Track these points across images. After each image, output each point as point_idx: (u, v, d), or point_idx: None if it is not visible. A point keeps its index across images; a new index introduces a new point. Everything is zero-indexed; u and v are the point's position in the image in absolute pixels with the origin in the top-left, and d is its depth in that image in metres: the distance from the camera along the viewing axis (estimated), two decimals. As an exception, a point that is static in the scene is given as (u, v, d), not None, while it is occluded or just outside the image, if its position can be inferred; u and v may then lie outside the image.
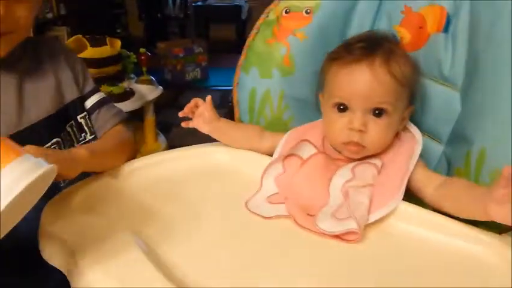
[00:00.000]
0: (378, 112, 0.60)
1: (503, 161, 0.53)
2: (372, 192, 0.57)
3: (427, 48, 0.68)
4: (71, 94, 0.74)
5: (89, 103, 0.77)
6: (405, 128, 0.65)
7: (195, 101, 0.72)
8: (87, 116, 0.75)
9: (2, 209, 0.37)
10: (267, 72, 0.76)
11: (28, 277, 0.64)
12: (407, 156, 0.61)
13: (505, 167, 0.44)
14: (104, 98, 0.80)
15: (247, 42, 0.79)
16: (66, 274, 0.49)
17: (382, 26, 0.73)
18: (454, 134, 0.65)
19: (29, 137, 0.66)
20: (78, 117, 0.74)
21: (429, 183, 0.59)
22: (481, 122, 0.58)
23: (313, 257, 0.52)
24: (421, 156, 0.68)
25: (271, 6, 0.78)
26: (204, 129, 0.72)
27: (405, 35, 0.70)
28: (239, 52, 0.81)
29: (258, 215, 0.59)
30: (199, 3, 4.60)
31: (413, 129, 0.65)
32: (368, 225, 0.55)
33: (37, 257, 0.53)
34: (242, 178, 0.67)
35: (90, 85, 0.79)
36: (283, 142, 0.69)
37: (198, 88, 3.33)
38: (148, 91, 2.33)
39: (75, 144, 0.73)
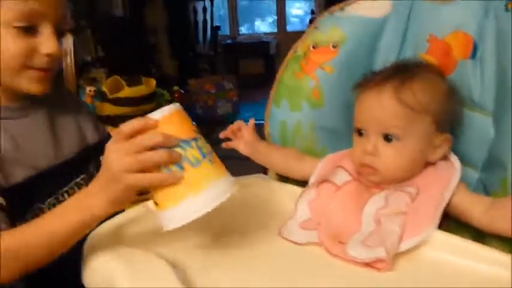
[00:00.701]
0: (388, 137, 0.61)
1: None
2: (404, 220, 0.56)
3: (455, 76, 0.69)
4: (92, 137, 0.80)
5: None
6: (445, 157, 0.64)
7: (238, 123, 0.76)
8: None
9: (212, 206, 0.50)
10: (297, 104, 0.79)
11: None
12: (443, 185, 0.60)
13: None
14: None
15: (277, 77, 0.83)
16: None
17: (408, 55, 0.75)
18: (489, 160, 0.64)
19: (63, 170, 0.72)
20: (101, 158, 0.79)
21: (473, 208, 0.59)
22: (515, 145, 0.58)
23: (343, 285, 0.52)
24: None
25: (299, 42, 0.82)
26: (245, 151, 0.75)
27: (432, 62, 0.71)
28: (268, 86, 0.84)
29: (291, 241, 0.60)
30: (228, 41, 4.78)
31: (453, 158, 0.65)
32: (399, 253, 0.55)
33: (79, 283, 0.57)
34: (278, 209, 0.69)
35: (105, 130, 0.86)
36: (319, 167, 0.71)
37: (229, 123, 3.40)
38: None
39: None
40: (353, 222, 0.59)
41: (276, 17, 5.15)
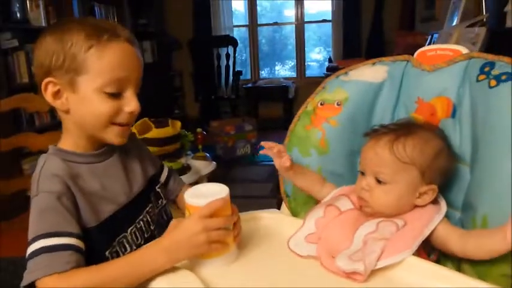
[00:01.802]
0: (379, 179, 0.75)
1: (501, 223, 0.64)
2: (385, 244, 0.69)
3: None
4: (151, 170, 0.93)
5: (164, 175, 0.98)
6: (435, 201, 0.76)
7: (278, 147, 0.85)
8: (162, 186, 0.95)
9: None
10: (306, 151, 0.93)
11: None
12: (425, 223, 0.72)
13: None
14: (169, 168, 1.02)
15: (290, 128, 0.97)
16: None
17: (401, 113, 0.89)
18: (465, 202, 0.77)
19: (137, 202, 0.85)
20: (156, 187, 0.93)
21: (452, 234, 0.71)
22: (482, 193, 0.71)
23: None
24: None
25: (309, 99, 0.97)
26: (279, 167, 0.86)
27: (420, 120, 0.85)
28: (286, 128, 0.98)
29: (294, 252, 0.74)
30: (249, 85, 5.00)
31: (442, 201, 0.77)
32: (380, 272, 0.67)
33: None
34: (281, 237, 0.81)
35: (158, 161, 1.00)
36: (333, 193, 0.84)
37: (248, 163, 3.55)
38: (203, 166, 2.56)
39: (155, 210, 0.90)
40: (346, 240, 0.71)
41: (295, 62, 5.38)
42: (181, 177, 1.05)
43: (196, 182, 2.35)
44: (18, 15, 2.76)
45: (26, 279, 0.66)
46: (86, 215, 0.74)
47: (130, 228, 0.82)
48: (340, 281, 0.67)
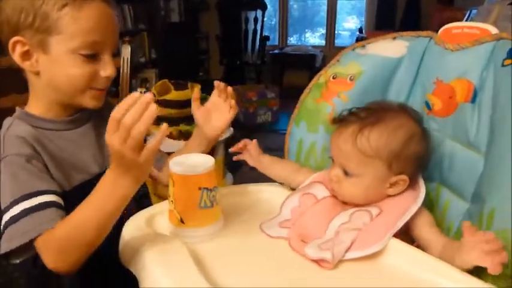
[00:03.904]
0: (346, 172, 0.72)
1: (508, 221, 0.60)
2: (357, 235, 0.66)
3: (455, 116, 0.77)
4: None
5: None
6: (415, 187, 0.73)
7: (244, 142, 0.87)
8: None
9: None
10: (314, 127, 0.89)
11: (107, 278, 0.80)
12: (400, 213, 0.69)
13: (463, 222, 0.59)
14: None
15: (300, 99, 0.94)
16: (136, 275, 0.64)
17: (417, 93, 0.84)
18: (475, 194, 0.72)
19: None
20: None
21: (430, 246, 0.67)
22: (492, 185, 0.66)
23: (292, 272, 0.65)
24: (448, 212, 0.76)
25: (322, 71, 0.92)
26: (251, 163, 0.87)
27: (436, 102, 0.79)
28: None
29: (266, 234, 0.73)
30: (276, 51, 4.90)
31: (421, 190, 0.73)
32: (360, 259, 0.65)
33: (116, 261, 0.69)
34: (274, 212, 0.79)
35: None
36: (310, 179, 0.81)
37: (268, 131, 3.52)
38: (220, 131, 2.55)
39: None
40: (320, 230, 0.70)
41: (325, 30, 5.22)
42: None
43: (212, 148, 2.34)
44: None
45: (7, 246, 0.65)
46: (57, 179, 0.73)
47: None
48: (307, 263, 0.66)
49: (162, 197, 0.89)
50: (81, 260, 0.66)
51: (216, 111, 0.90)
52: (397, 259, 0.64)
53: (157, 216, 0.77)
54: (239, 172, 2.66)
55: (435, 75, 0.80)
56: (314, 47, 5.11)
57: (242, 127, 3.28)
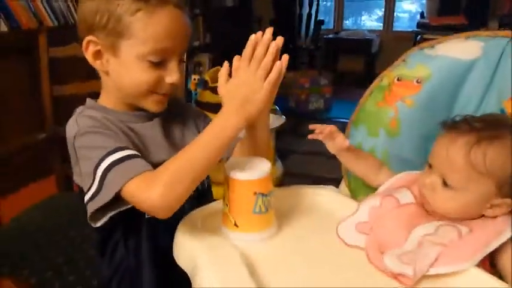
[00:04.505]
0: (445, 182, 0.66)
1: None
2: (442, 251, 0.61)
3: (534, 127, 0.70)
4: (191, 135, 0.87)
5: None
6: (510, 213, 0.66)
7: (329, 128, 0.80)
8: None
9: None
10: (374, 131, 0.85)
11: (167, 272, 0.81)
12: (494, 235, 0.63)
13: None
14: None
15: (360, 102, 0.89)
16: (188, 273, 0.66)
17: (492, 100, 0.77)
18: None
19: None
20: None
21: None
22: None
23: (347, 277, 0.62)
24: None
25: (386, 71, 0.87)
26: (333, 149, 0.81)
27: (514, 113, 0.73)
28: (365, 86, 0.90)
29: (342, 240, 0.69)
30: (330, 36, 4.76)
31: None
32: (433, 278, 0.60)
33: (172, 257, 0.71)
34: (334, 218, 0.76)
35: (203, 120, 0.92)
36: (392, 180, 0.76)
37: (320, 118, 3.46)
38: (272, 119, 2.53)
39: None
40: (399, 238, 0.65)
41: (383, 13, 5.00)
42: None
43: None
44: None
45: (105, 197, 0.67)
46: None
47: None
48: (385, 279, 0.62)
49: (216, 183, 0.89)
50: (186, 196, 0.67)
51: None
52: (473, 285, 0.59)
53: (213, 215, 0.77)
54: (289, 159, 2.65)
55: (514, 80, 0.73)
56: (370, 31, 4.91)
57: (293, 114, 3.24)
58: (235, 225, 0.71)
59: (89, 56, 0.74)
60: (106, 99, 0.80)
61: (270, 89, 0.68)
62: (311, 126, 0.81)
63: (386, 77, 0.87)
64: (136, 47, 0.71)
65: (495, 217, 0.66)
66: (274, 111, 2.61)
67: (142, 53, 0.71)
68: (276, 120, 2.54)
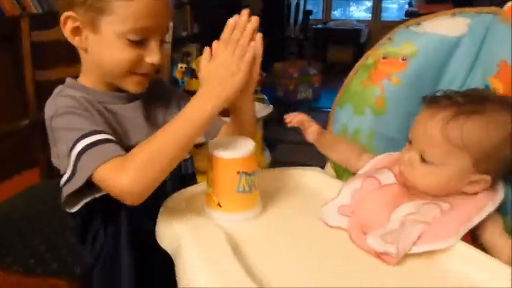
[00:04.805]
0: (424, 159, 0.65)
1: None
2: (425, 229, 0.61)
3: (520, 102, 0.70)
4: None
5: None
6: (492, 189, 0.66)
7: (300, 116, 0.80)
8: None
9: None
10: (360, 109, 0.84)
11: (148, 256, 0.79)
12: (476, 210, 0.63)
13: None
14: None
15: (345, 82, 0.88)
16: (171, 254, 0.64)
17: (477, 76, 0.77)
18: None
19: None
20: None
21: (503, 250, 0.61)
22: None
23: (352, 268, 0.60)
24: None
25: (371, 50, 0.86)
26: (310, 138, 0.81)
27: (499, 86, 0.72)
28: None
29: (325, 223, 0.69)
30: (319, 25, 4.76)
31: (499, 191, 0.66)
32: (417, 255, 0.60)
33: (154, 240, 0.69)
34: (319, 198, 0.76)
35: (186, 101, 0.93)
36: (373, 162, 0.76)
37: (308, 108, 3.45)
38: (259, 108, 2.52)
39: None
40: (382, 219, 0.64)
41: (372, 2, 5.00)
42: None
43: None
44: None
45: (78, 181, 0.66)
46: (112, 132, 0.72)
47: None
48: (368, 258, 0.61)
49: (200, 171, 0.88)
50: (158, 181, 0.66)
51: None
52: (464, 264, 0.59)
53: (198, 196, 0.76)
54: (277, 149, 2.64)
55: (499, 56, 0.73)
56: (359, 21, 4.91)
57: (281, 104, 3.23)
58: (219, 205, 0.70)
59: (67, 32, 0.72)
60: (85, 79, 0.78)
61: (246, 69, 0.69)
62: (286, 117, 0.81)
63: (371, 56, 0.86)
64: (116, 24, 0.69)
65: (476, 193, 0.65)
66: (262, 101, 2.60)
67: (122, 31, 0.70)
68: (264, 110, 2.53)
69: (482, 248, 0.62)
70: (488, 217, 0.63)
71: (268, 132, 2.58)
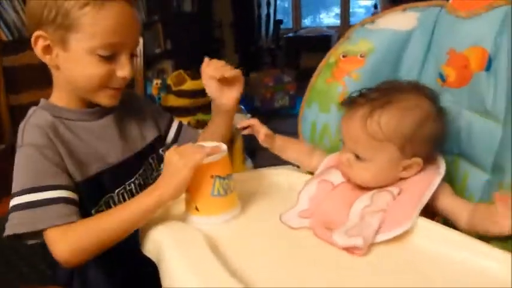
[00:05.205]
0: (357, 156, 0.70)
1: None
2: (383, 216, 0.65)
3: (471, 86, 0.74)
4: (153, 133, 0.91)
5: (171, 134, 0.95)
6: (434, 162, 0.71)
7: (249, 121, 0.85)
8: (170, 146, 0.88)
9: None
10: (326, 107, 0.88)
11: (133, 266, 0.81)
12: (423, 187, 0.67)
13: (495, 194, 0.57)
14: (180, 123, 0.98)
15: (311, 81, 0.93)
16: (154, 261, 0.66)
17: (431, 66, 0.81)
18: (495, 164, 0.70)
19: (129, 164, 0.84)
20: (160, 150, 0.91)
21: (457, 213, 0.66)
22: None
23: (323, 261, 0.63)
24: (468, 183, 0.74)
25: (332, 50, 0.91)
26: (263, 143, 0.84)
27: (451, 73, 0.77)
28: None
29: (288, 225, 0.71)
30: (290, 34, 4.84)
31: (441, 163, 0.71)
32: (390, 241, 0.63)
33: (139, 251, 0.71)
34: (291, 196, 0.78)
35: (165, 120, 0.96)
36: (324, 163, 0.80)
37: (286, 115, 3.50)
38: (238, 119, 2.55)
39: (154, 173, 0.89)
40: (342, 217, 0.68)
41: (340, 10, 5.11)
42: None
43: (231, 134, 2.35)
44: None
45: (14, 229, 0.67)
46: (71, 169, 0.74)
47: (118, 189, 0.81)
48: (340, 252, 0.64)
49: None
50: (96, 253, 0.69)
51: (225, 83, 0.89)
52: (426, 238, 0.63)
53: (178, 202, 0.78)
54: (259, 157, 2.67)
55: (448, 45, 0.77)
56: (329, 27, 5.02)
57: (259, 113, 3.27)
58: (196, 209, 0.72)
59: (38, 51, 0.74)
60: (58, 97, 0.80)
61: (188, 175, 0.68)
62: (238, 124, 0.86)
63: (333, 55, 0.90)
64: (85, 41, 0.71)
65: (419, 171, 0.70)
66: (240, 110, 2.63)
67: (91, 47, 0.71)
68: (242, 120, 2.57)
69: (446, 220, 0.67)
70: (438, 188, 0.67)
71: (248, 141, 2.60)
